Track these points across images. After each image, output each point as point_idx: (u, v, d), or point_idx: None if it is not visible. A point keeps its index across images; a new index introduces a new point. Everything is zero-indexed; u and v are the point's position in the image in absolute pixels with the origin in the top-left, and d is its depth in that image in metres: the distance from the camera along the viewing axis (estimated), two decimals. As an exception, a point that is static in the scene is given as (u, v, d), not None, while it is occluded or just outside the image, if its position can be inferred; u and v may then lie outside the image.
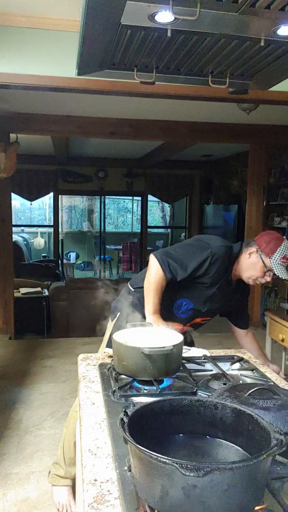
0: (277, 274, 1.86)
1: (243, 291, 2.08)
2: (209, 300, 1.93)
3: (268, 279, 1.91)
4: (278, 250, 1.85)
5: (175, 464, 0.68)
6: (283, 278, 1.86)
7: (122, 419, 0.83)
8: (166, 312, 1.87)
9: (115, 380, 1.33)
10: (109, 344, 1.95)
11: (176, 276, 1.81)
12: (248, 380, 1.44)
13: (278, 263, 1.84)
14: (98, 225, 9.68)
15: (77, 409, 1.97)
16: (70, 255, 9.81)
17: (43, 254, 9.16)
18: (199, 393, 1.28)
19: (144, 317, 1.81)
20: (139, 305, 1.94)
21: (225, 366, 1.55)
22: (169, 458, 0.69)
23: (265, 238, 1.91)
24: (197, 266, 1.82)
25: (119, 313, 2.02)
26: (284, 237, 1.94)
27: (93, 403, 1.24)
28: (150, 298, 1.78)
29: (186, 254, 1.86)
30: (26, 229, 10.04)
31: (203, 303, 1.94)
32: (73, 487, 2.08)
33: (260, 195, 5.52)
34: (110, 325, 2.07)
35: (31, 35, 2.40)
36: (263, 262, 1.86)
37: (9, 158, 4.58)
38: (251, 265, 1.90)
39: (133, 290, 2.06)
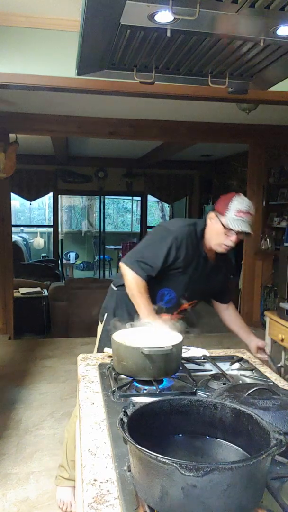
0: (234, 229, 1.79)
1: (226, 265, 2.06)
2: (189, 283, 1.92)
3: (233, 238, 1.84)
4: (230, 205, 1.80)
5: (174, 464, 0.68)
6: (241, 230, 1.79)
7: (121, 419, 0.83)
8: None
9: (114, 380, 1.33)
10: (100, 347, 1.96)
11: (152, 273, 1.83)
12: (248, 380, 1.44)
13: (233, 219, 1.79)
14: (98, 225, 9.68)
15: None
16: (69, 255, 9.80)
17: (43, 254, 9.15)
18: (198, 393, 1.28)
19: (130, 314, 1.83)
20: (123, 303, 1.96)
21: (224, 366, 1.55)
22: (169, 458, 0.69)
23: (219, 200, 1.89)
24: (166, 255, 1.83)
25: (106, 314, 2.04)
26: (239, 194, 1.88)
27: (93, 403, 1.24)
28: (139, 303, 1.80)
29: (152, 248, 1.87)
30: (26, 229, 10.04)
31: (184, 288, 1.93)
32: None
33: (260, 195, 5.52)
34: (99, 328, 2.09)
35: (31, 35, 2.40)
36: (221, 223, 1.82)
37: (9, 158, 4.58)
38: (213, 230, 1.87)
39: (115, 289, 2.07)
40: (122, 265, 1.88)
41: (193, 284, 1.93)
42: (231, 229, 1.81)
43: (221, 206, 1.84)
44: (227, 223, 1.81)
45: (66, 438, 2.10)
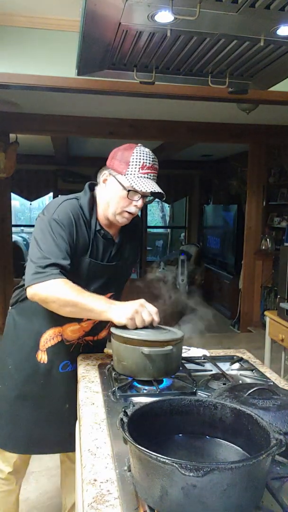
0: (141, 190, 1.42)
1: (131, 245, 1.67)
2: (89, 271, 1.53)
3: (139, 203, 1.48)
4: (131, 160, 1.42)
5: (174, 464, 0.68)
6: (150, 191, 1.42)
7: (121, 419, 0.83)
8: (49, 317, 1.55)
9: (114, 380, 1.33)
10: None
11: (63, 262, 1.40)
12: (248, 380, 1.44)
13: (137, 177, 1.42)
14: (98, 225, 9.66)
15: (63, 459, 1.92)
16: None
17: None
18: (198, 393, 1.28)
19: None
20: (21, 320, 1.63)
21: (224, 366, 1.55)
22: (169, 458, 0.69)
23: (112, 154, 1.48)
24: (56, 242, 1.42)
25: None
26: (139, 145, 1.47)
27: (93, 403, 1.24)
28: (86, 302, 1.36)
29: (46, 244, 1.42)
30: (26, 229, 10.02)
31: (86, 279, 1.52)
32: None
33: (260, 195, 5.52)
34: None
35: (31, 35, 2.40)
36: (120, 183, 1.44)
37: (9, 158, 4.59)
38: (109, 194, 1.48)
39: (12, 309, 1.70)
40: (34, 288, 1.38)
41: (96, 272, 1.54)
42: (136, 191, 1.44)
43: (118, 162, 1.44)
44: (130, 184, 1.42)
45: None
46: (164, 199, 1.53)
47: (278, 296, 3.17)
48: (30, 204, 8.89)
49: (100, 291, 1.52)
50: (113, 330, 1.37)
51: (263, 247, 5.49)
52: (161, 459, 0.70)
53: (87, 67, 1.30)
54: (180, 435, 0.95)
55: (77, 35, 1.12)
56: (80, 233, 1.49)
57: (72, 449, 1.54)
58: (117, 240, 1.60)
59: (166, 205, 10.35)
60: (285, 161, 5.50)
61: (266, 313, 3.35)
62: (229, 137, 5.20)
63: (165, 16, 0.98)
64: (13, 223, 5.37)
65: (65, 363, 1.63)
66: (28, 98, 3.94)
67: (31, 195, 8.38)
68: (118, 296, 1.68)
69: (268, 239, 5.46)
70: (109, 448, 1.00)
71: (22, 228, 10.02)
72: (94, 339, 1.66)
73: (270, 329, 3.22)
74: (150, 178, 1.43)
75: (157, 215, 11.32)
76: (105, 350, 1.62)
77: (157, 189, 1.43)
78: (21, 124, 4.64)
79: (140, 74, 1.32)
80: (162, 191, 1.44)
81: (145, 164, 1.42)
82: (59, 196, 1.58)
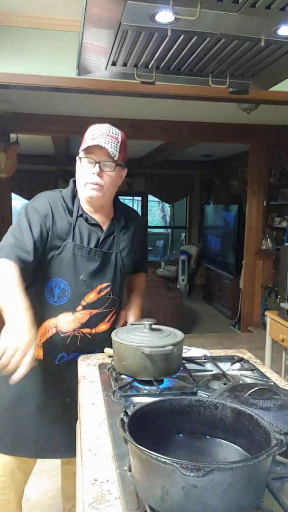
0: (84, 148, 1.47)
1: (135, 227, 1.69)
2: (76, 262, 1.53)
3: (94, 170, 1.48)
4: (85, 136, 1.51)
5: (175, 464, 0.68)
6: (91, 144, 1.45)
7: (122, 419, 0.83)
8: (41, 308, 1.53)
9: (115, 380, 1.34)
10: None
11: (22, 252, 1.42)
12: (248, 380, 1.44)
13: (87, 144, 1.47)
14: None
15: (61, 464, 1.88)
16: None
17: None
18: (199, 393, 1.28)
19: None
20: None
21: (225, 366, 1.55)
22: (169, 458, 0.69)
23: None
24: (31, 228, 1.47)
25: None
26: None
27: (93, 403, 1.24)
28: (8, 298, 1.29)
29: (14, 231, 1.49)
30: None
31: (74, 271, 1.52)
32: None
33: (260, 195, 5.52)
34: None
35: (31, 35, 2.40)
36: (78, 158, 1.52)
37: (9, 158, 4.59)
38: (76, 175, 1.56)
39: None
40: None
41: (83, 257, 1.53)
42: (85, 157, 1.48)
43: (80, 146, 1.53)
44: (79, 150, 1.50)
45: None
46: (118, 160, 1.50)
47: (279, 296, 3.17)
48: (31, 204, 8.89)
49: (92, 279, 1.54)
50: (113, 335, 1.37)
51: (264, 247, 5.49)
52: (162, 459, 0.70)
53: (87, 67, 1.30)
54: (180, 435, 0.95)
55: (77, 35, 1.12)
56: (57, 218, 1.52)
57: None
58: (106, 227, 1.60)
59: (167, 205, 10.35)
60: (285, 161, 5.50)
61: (266, 313, 3.35)
62: (230, 137, 5.20)
63: (165, 16, 0.98)
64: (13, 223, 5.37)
65: (61, 355, 1.60)
66: (28, 98, 3.94)
67: (31, 195, 8.28)
68: (117, 290, 1.63)
69: (268, 239, 5.46)
70: (110, 448, 1.01)
71: (22, 228, 10.01)
72: (92, 332, 1.61)
73: (270, 329, 3.22)
74: (96, 138, 1.45)
75: (157, 215, 11.33)
76: (106, 350, 1.62)
77: (99, 143, 1.43)
78: (21, 124, 4.64)
79: (140, 74, 1.33)
80: (105, 146, 1.44)
81: (96, 132, 1.47)
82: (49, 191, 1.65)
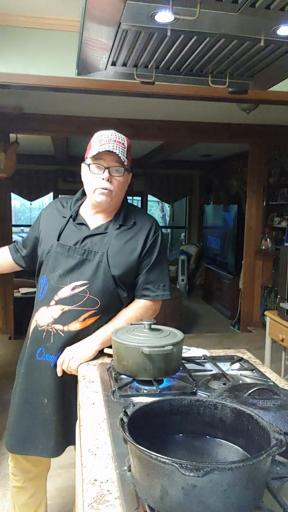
0: (94, 154, 1.51)
1: (137, 239, 1.61)
2: (58, 255, 1.59)
3: (104, 176, 1.52)
4: (91, 143, 1.57)
5: (175, 464, 0.68)
6: (101, 151, 1.50)
7: (122, 419, 0.83)
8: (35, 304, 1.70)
9: (114, 380, 1.34)
10: None
11: (18, 248, 1.81)
12: (248, 380, 1.44)
13: (95, 151, 1.52)
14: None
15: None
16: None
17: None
18: (198, 393, 1.28)
19: None
20: None
21: (225, 366, 1.55)
22: (169, 458, 0.69)
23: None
24: (32, 230, 1.78)
25: None
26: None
27: (93, 403, 1.24)
28: None
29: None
30: (26, 229, 10.03)
31: (53, 268, 1.59)
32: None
33: (260, 195, 5.52)
34: None
35: (31, 35, 2.40)
36: (85, 164, 1.58)
37: (9, 158, 4.59)
38: (83, 181, 1.61)
39: None
40: None
41: (62, 254, 1.59)
42: (95, 163, 1.53)
43: (86, 152, 1.61)
44: (86, 157, 1.57)
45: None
46: (127, 165, 1.56)
47: (278, 296, 3.18)
48: (30, 204, 8.89)
49: (67, 276, 1.57)
50: (113, 336, 1.37)
51: (263, 247, 5.49)
52: (161, 459, 0.70)
53: (87, 67, 1.30)
54: (180, 435, 0.95)
55: (77, 35, 1.12)
56: (51, 221, 1.67)
57: (56, 455, 1.59)
58: (95, 227, 1.62)
59: (166, 205, 10.35)
60: (285, 161, 5.50)
61: (266, 313, 3.35)
62: (229, 137, 5.19)
63: (165, 16, 0.98)
64: (13, 223, 5.37)
65: (40, 350, 1.61)
66: (29, 98, 3.94)
67: (31, 195, 8.38)
68: (97, 290, 1.56)
69: (268, 239, 5.46)
70: (109, 448, 1.01)
71: (22, 228, 10.02)
72: (64, 330, 1.57)
73: (270, 329, 3.22)
74: (105, 144, 1.50)
75: (157, 215, 11.32)
76: (105, 350, 1.62)
77: (109, 148, 1.49)
78: (21, 124, 4.64)
79: (140, 74, 1.32)
80: (116, 151, 1.49)
81: (103, 139, 1.52)
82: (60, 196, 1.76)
